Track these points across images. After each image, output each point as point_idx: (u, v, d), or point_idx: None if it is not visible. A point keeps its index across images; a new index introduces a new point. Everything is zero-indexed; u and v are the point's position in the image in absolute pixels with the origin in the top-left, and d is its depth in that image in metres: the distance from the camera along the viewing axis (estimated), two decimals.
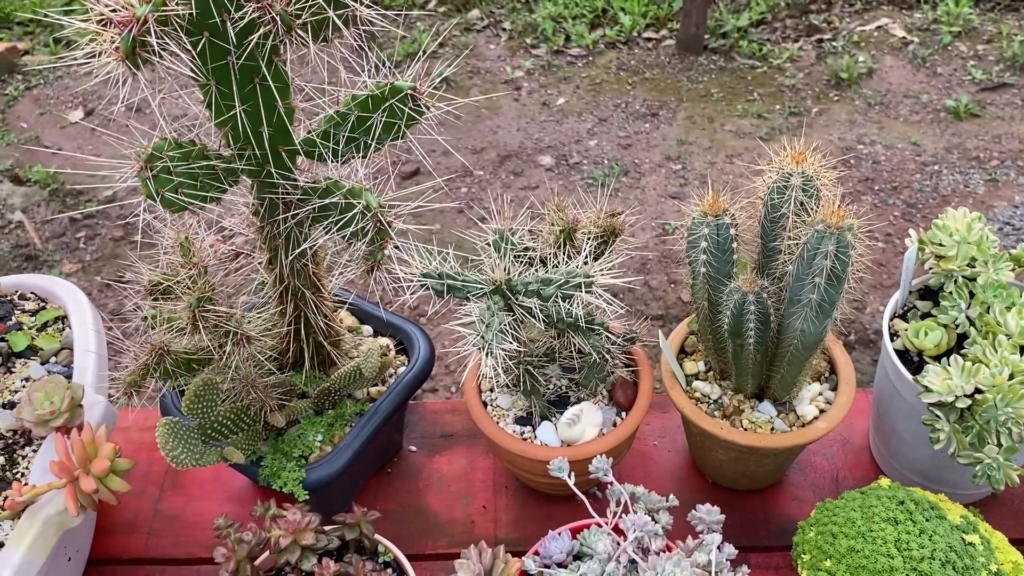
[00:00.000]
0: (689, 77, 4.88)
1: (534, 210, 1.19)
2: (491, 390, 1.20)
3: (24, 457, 1.05)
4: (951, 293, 1.13)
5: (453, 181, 4.29)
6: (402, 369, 1.22)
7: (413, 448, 1.35)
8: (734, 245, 1.05)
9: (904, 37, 5.02)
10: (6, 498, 0.99)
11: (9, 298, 1.23)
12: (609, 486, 1.03)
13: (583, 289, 1.01)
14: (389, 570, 1.06)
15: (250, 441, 1.08)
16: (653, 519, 1.04)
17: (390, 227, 0.90)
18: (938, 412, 1.03)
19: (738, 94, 4.69)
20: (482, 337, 1.00)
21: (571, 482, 1.04)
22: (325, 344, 1.16)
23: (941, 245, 1.14)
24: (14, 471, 1.04)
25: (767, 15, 5.24)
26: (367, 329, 1.29)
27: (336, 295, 1.23)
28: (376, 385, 1.20)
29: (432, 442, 1.36)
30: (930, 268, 1.18)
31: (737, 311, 1.03)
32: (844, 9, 5.24)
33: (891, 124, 4.26)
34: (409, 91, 0.93)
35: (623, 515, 1.02)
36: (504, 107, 4.83)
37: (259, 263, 1.06)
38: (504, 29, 5.56)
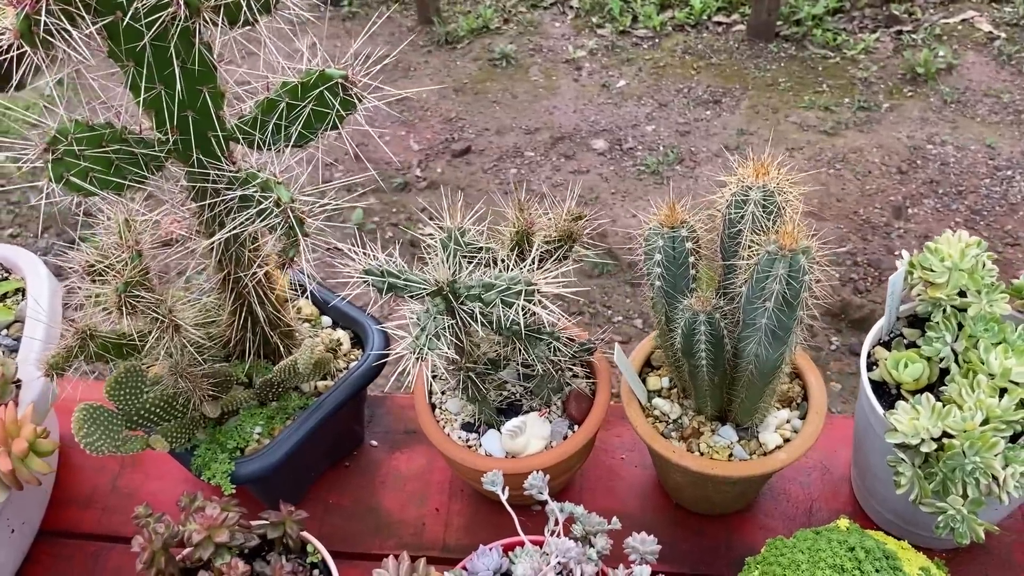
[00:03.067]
0: (757, 64, 4.70)
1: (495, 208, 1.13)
2: (442, 392, 1.16)
3: None
4: (938, 323, 1.04)
5: (502, 161, 4.23)
6: (354, 364, 1.18)
7: (374, 443, 1.32)
8: (691, 259, 0.97)
9: (990, 32, 4.74)
10: None
11: None
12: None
13: (523, 297, 0.95)
14: (316, 571, 1.03)
15: (183, 430, 1.06)
16: (590, 542, 0.99)
17: (301, 224, 0.85)
18: (903, 455, 0.94)
19: (806, 85, 4.50)
20: (415, 340, 0.96)
21: (504, 497, 0.99)
22: (273, 335, 1.13)
23: (931, 270, 1.05)
24: None
25: (845, 3, 5.01)
26: (326, 320, 1.25)
27: (298, 283, 1.20)
28: (324, 379, 1.17)
29: (394, 438, 1.33)
30: (918, 295, 1.08)
31: (687, 331, 0.96)
32: (929, 0, 4.97)
33: (966, 124, 4.03)
34: (340, 79, 0.88)
35: (554, 537, 0.97)
36: (563, 87, 4.74)
37: (198, 250, 1.04)
38: (571, 7, 5.46)
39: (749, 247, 0.92)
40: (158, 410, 1.03)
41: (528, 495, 0.99)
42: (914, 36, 4.73)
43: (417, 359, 0.96)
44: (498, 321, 1.00)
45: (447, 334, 0.98)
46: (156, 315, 0.97)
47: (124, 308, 0.94)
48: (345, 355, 1.21)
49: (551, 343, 1.04)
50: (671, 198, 1.03)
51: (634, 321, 3.30)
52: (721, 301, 0.97)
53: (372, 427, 1.34)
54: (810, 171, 3.85)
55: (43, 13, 0.73)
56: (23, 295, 1.19)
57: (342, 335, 1.23)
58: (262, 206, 0.86)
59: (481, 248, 1.07)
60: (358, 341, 1.24)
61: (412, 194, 4.03)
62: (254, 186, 0.87)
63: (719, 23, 5.14)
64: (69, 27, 0.76)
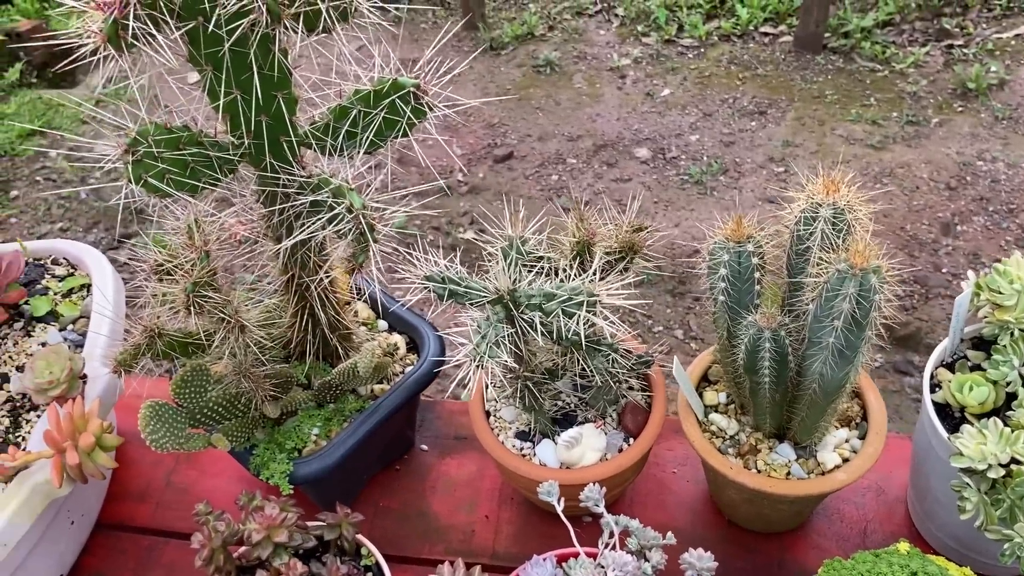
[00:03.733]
0: (803, 76, 4.66)
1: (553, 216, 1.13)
2: (496, 400, 1.16)
3: (28, 421, 1.08)
4: (1005, 347, 1.02)
5: (544, 167, 4.23)
6: (410, 368, 1.19)
7: (424, 447, 1.33)
8: (756, 275, 0.97)
9: None
10: (2, 462, 1.02)
11: (42, 262, 1.26)
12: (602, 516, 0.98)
13: (585, 308, 0.95)
14: (369, 574, 1.04)
15: (244, 428, 1.08)
16: (644, 556, 0.98)
17: (372, 230, 0.86)
18: (968, 479, 0.93)
19: (854, 98, 4.46)
20: (475, 348, 0.96)
21: (559, 508, 0.99)
22: (332, 337, 1.14)
23: (999, 292, 1.03)
24: (16, 434, 1.06)
25: (895, 16, 4.96)
26: (382, 324, 1.26)
27: (357, 287, 1.21)
28: (381, 383, 1.18)
29: (445, 443, 1.33)
30: (984, 317, 1.06)
31: (752, 347, 0.95)
32: (981, 14, 4.90)
33: (1018, 141, 3.96)
34: (412, 88, 0.89)
35: (609, 550, 0.96)
36: (606, 95, 4.74)
37: (265, 252, 1.05)
38: (616, 15, 5.45)
39: (818, 264, 0.91)
40: (220, 409, 1.04)
41: (583, 507, 0.99)
42: (965, 51, 4.67)
43: (477, 367, 0.96)
44: (558, 331, 1.00)
45: (507, 343, 0.98)
46: (222, 315, 0.98)
47: (192, 308, 0.96)
48: (400, 359, 1.22)
49: (610, 355, 1.04)
50: (725, 212, 1.02)
51: (675, 332, 3.28)
52: (786, 318, 0.96)
53: (422, 431, 1.35)
54: (856, 185, 3.81)
55: (131, 18, 0.75)
56: (88, 291, 1.22)
57: (398, 339, 1.24)
58: (334, 212, 0.87)
59: (541, 257, 1.07)
60: (413, 346, 1.25)
61: (454, 198, 4.03)
62: (327, 192, 0.88)
63: (765, 34, 5.10)
64: (154, 31, 0.77)
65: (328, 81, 0.93)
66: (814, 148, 4.10)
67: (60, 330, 1.16)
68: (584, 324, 0.98)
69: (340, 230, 0.87)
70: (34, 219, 4.12)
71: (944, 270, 3.32)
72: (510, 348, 0.99)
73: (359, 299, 1.24)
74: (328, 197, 0.87)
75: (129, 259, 1.12)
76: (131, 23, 0.74)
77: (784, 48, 4.93)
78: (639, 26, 5.28)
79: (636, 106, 4.64)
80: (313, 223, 0.90)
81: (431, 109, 0.92)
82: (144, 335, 0.99)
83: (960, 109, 4.27)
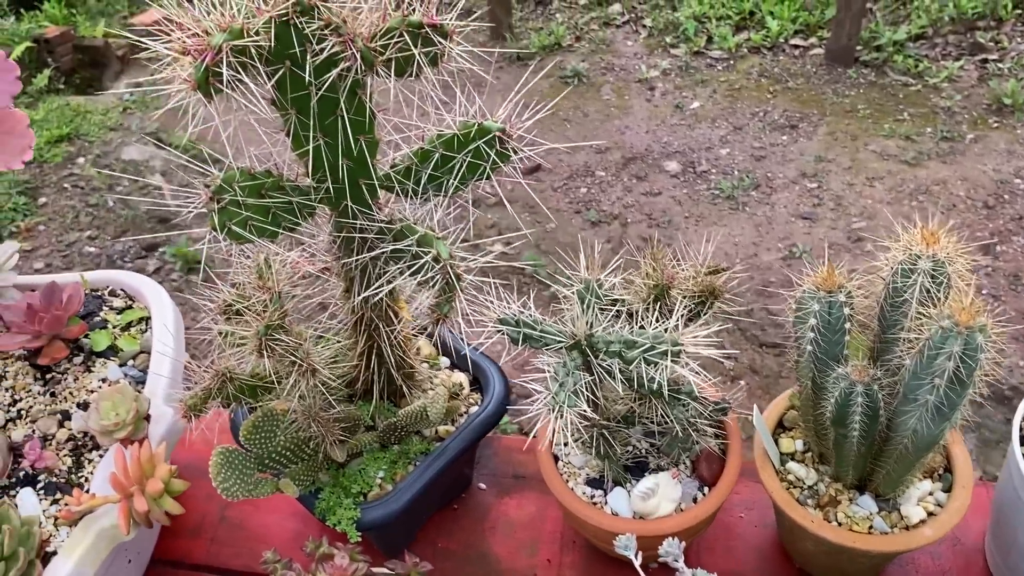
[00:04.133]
0: (835, 90, 4.62)
1: (628, 256, 1.10)
2: (564, 444, 1.13)
3: (91, 461, 1.05)
4: None
5: (572, 180, 4.20)
6: (474, 409, 1.16)
7: (483, 485, 1.30)
8: (847, 326, 0.93)
9: None
10: (66, 504, 1.00)
11: (100, 293, 1.24)
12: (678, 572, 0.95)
13: (669, 357, 0.92)
14: None
15: (309, 471, 1.05)
16: None
17: (459, 280, 0.83)
18: None
19: (886, 112, 4.41)
20: (553, 397, 0.93)
21: (638, 563, 0.96)
22: (396, 376, 1.11)
23: None
24: (79, 474, 1.04)
25: (927, 29, 4.91)
26: (444, 361, 1.24)
27: (419, 319, 1.19)
28: (446, 424, 1.15)
29: (503, 482, 1.31)
30: None
31: (843, 400, 0.92)
32: (1016, 28, 4.84)
33: None
34: (497, 133, 0.86)
35: None
36: (635, 107, 4.71)
37: (334, 293, 1.02)
38: (644, 26, 5.42)
39: (917, 319, 0.88)
40: (288, 453, 1.02)
41: (660, 560, 0.96)
42: (1000, 65, 4.61)
43: (556, 416, 0.93)
44: (638, 380, 0.98)
45: (584, 390, 0.95)
46: (294, 358, 0.96)
47: (264, 351, 0.93)
48: (465, 398, 1.19)
49: (689, 404, 1.01)
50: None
51: (728, 352, 3.24)
52: (878, 371, 0.93)
53: (480, 468, 1.32)
54: (891, 202, 3.76)
55: (223, 65, 0.72)
56: (147, 324, 1.19)
57: (462, 378, 1.21)
58: (420, 261, 0.84)
59: (617, 300, 1.04)
60: (477, 384, 1.22)
61: (481, 209, 4.01)
62: (411, 239, 0.85)
63: (796, 46, 5.06)
64: (243, 77, 0.75)
65: (408, 123, 0.90)
66: (847, 164, 4.06)
67: (120, 365, 1.14)
68: (666, 372, 0.95)
69: (425, 279, 0.84)
70: (62, 227, 4.13)
71: (985, 291, 3.27)
72: (587, 396, 0.96)
73: (422, 335, 1.21)
74: (413, 246, 0.85)
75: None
76: (224, 71, 0.72)
77: (815, 61, 4.89)
78: (667, 37, 5.25)
79: (665, 118, 4.61)
80: (394, 271, 0.87)
81: (515, 153, 0.89)
82: (215, 379, 0.96)
83: (995, 125, 4.22)
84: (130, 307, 1.22)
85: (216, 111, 0.76)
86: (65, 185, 4.39)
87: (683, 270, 1.07)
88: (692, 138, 4.45)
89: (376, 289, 0.90)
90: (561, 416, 0.93)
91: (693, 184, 4.10)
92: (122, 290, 1.24)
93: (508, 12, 5.18)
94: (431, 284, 0.85)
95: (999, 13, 4.91)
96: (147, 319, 1.20)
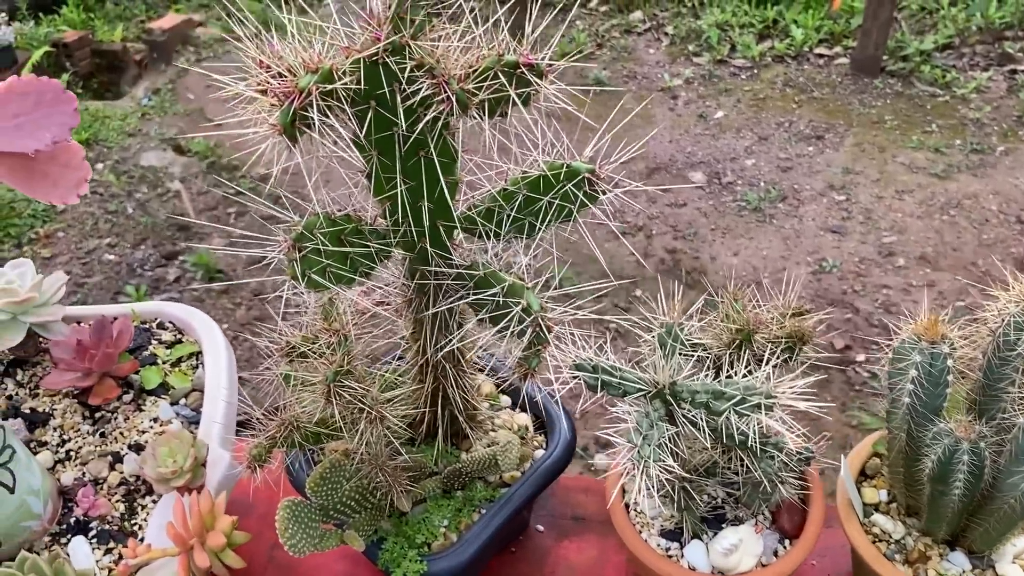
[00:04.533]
0: (861, 100, 4.57)
1: (707, 295, 1.05)
2: (648, 498, 1.08)
3: (144, 507, 1.01)
4: None
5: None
6: (539, 453, 1.11)
7: (540, 528, 1.25)
8: (950, 378, 0.88)
9: None
10: (120, 555, 0.95)
11: (148, 325, 1.19)
12: None
13: (763, 411, 0.87)
14: None
15: (372, 520, 1.00)
16: None
17: (549, 332, 0.79)
18: None
19: (914, 123, 4.35)
20: (638, 451, 0.89)
21: None
22: (460, 417, 1.06)
23: None
24: (132, 521, 1.00)
25: (954, 39, 4.85)
26: (505, 400, 1.19)
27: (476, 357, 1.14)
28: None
29: (562, 524, 1.26)
30: None
31: (946, 458, 0.87)
32: None
33: None
34: (587, 174, 0.81)
35: None
36: (658, 116, 4.65)
37: (402, 335, 0.98)
38: (666, 33, 5.37)
39: None
40: (352, 503, 0.97)
41: None
42: None
43: (641, 473, 0.88)
44: (725, 432, 0.93)
45: (668, 443, 0.90)
46: (362, 405, 0.91)
47: (333, 398, 0.89)
48: (529, 440, 1.14)
49: (776, 456, 0.96)
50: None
51: (825, 405, 3.17)
52: (985, 428, 0.87)
53: (537, 510, 1.27)
54: (922, 216, 3.70)
55: (312, 109, 0.67)
56: (197, 359, 1.15)
57: (527, 420, 1.16)
58: (506, 312, 0.79)
59: (698, 345, 1.00)
60: (540, 423, 1.17)
61: None
62: (496, 288, 0.80)
63: (820, 55, 5.01)
64: (333, 121, 0.70)
65: (490, 161, 0.86)
66: (875, 176, 4.00)
67: (171, 404, 1.09)
68: (757, 426, 0.90)
69: (512, 331, 0.79)
70: (81, 234, 4.09)
71: None
72: (670, 448, 0.91)
73: (483, 374, 1.16)
74: (499, 295, 0.80)
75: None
76: (313, 115, 0.67)
77: (840, 70, 4.83)
78: (690, 45, 5.20)
79: (689, 128, 4.56)
80: (475, 321, 0.83)
81: (605, 194, 0.84)
82: (282, 428, 0.91)
83: None
84: (180, 341, 1.17)
85: (300, 153, 0.72)
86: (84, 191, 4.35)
87: (765, 311, 1.02)
88: (717, 148, 4.39)
89: (452, 340, 0.85)
90: (647, 473, 0.88)
91: (719, 195, 4.05)
92: (171, 322, 1.19)
93: (528, 19, 5.11)
94: (518, 335, 0.80)
95: None
96: (198, 354, 1.15)
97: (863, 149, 4.24)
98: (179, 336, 1.18)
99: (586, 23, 5.55)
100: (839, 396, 2.91)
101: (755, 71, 4.93)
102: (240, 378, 1.21)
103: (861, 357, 3.01)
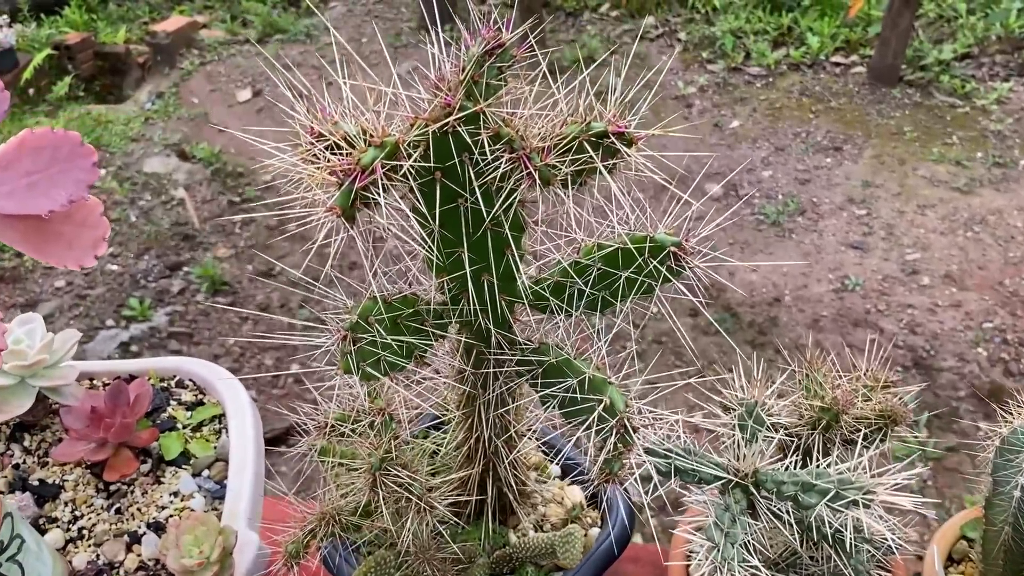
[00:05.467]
0: (879, 111, 4.48)
1: (779, 368, 0.96)
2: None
3: None
4: None
5: (609, 202, 4.06)
6: (594, 531, 1.02)
7: None
8: None
9: None
10: None
11: (166, 384, 1.10)
12: None
13: (860, 507, 0.78)
14: None
15: None
16: None
17: (635, 432, 0.69)
18: None
19: (934, 135, 4.27)
20: (721, 552, 0.80)
21: None
22: (510, 495, 0.97)
23: None
24: None
25: (974, 48, 4.76)
26: (555, 470, 1.09)
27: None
28: None
29: None
30: None
31: None
32: None
33: None
34: (672, 248, 0.72)
35: None
36: (672, 125, 4.56)
37: (452, 413, 0.88)
38: (679, 40, 5.28)
39: None
40: None
41: None
42: None
43: (725, 575, 0.79)
44: (816, 528, 0.84)
45: (751, 538, 0.81)
46: (409, 495, 0.82)
47: (380, 488, 0.79)
48: (583, 516, 1.05)
49: (863, 549, 0.87)
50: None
51: (927, 501, 3.09)
52: None
53: None
54: (945, 232, 3.61)
55: (379, 189, 0.58)
56: (220, 422, 1.06)
57: (579, 495, 1.07)
58: (583, 408, 0.70)
59: (778, 426, 0.90)
60: (593, 499, 1.08)
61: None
62: (572, 379, 0.71)
63: (837, 64, 4.92)
64: (399, 203, 0.61)
65: (561, 233, 0.76)
66: (896, 190, 3.91)
67: (193, 476, 1.00)
68: (852, 522, 0.81)
69: (591, 429, 0.70)
70: None
71: None
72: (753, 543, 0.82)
73: (530, 438, 1.07)
74: (575, 391, 0.71)
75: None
76: (380, 197, 0.58)
77: (857, 80, 4.74)
78: (703, 52, 5.10)
79: (704, 137, 4.46)
80: (547, 404, 0.74)
81: (690, 270, 0.75)
82: (320, 522, 0.82)
83: None
84: (201, 402, 1.07)
85: (360, 237, 0.62)
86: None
87: (847, 382, 0.93)
88: (732, 159, 4.30)
89: (512, 427, 0.76)
90: (731, 575, 0.79)
91: (736, 208, 3.96)
92: (191, 380, 1.10)
93: (539, 23, 5.03)
94: (597, 434, 0.71)
95: None
96: (220, 416, 1.06)
97: (882, 161, 4.16)
98: (200, 396, 1.09)
99: (597, 28, 5.45)
100: None
101: (770, 79, 4.84)
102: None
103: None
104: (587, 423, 0.70)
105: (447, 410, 0.93)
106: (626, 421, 0.69)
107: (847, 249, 3.62)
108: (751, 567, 0.80)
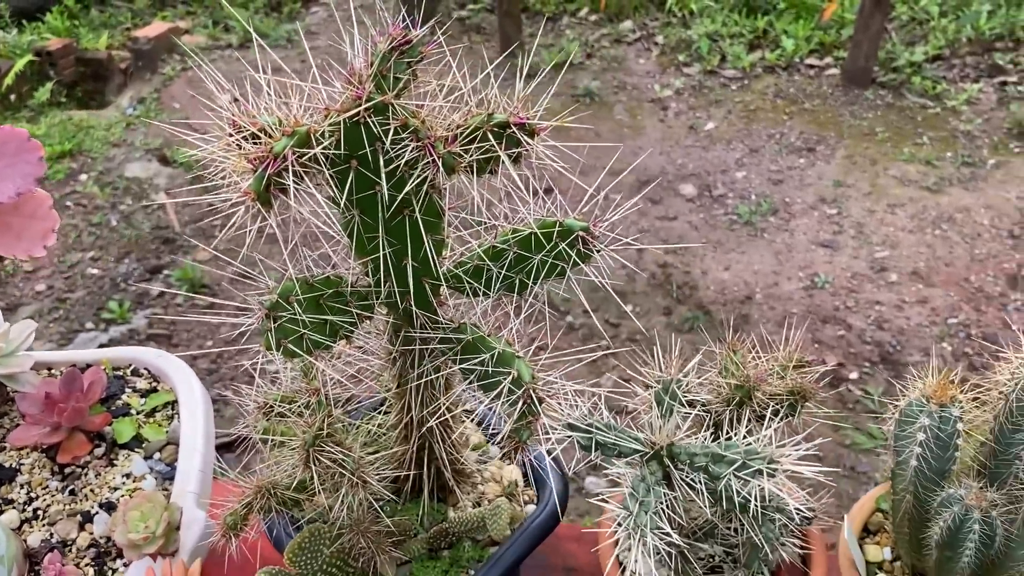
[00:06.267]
0: (852, 112, 4.54)
1: (702, 349, 1.01)
2: (628, 548, 1.04)
3: (115, 571, 0.96)
4: None
5: (586, 204, 4.11)
6: (530, 508, 1.07)
7: None
8: (959, 442, 0.84)
9: None
10: None
11: (121, 372, 1.14)
12: None
13: (764, 476, 0.83)
14: None
15: None
16: None
17: (541, 403, 0.74)
18: None
19: (905, 136, 4.33)
20: (635, 519, 0.84)
21: None
22: (446, 472, 1.02)
23: None
24: None
25: (945, 50, 4.84)
26: (494, 450, 1.14)
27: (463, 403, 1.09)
28: None
29: None
30: None
31: (956, 526, 0.83)
32: None
33: None
34: (581, 232, 0.77)
35: None
36: (648, 127, 4.62)
37: (387, 392, 0.93)
38: (656, 43, 5.34)
39: None
40: (334, 569, 0.92)
41: None
42: (1020, 88, 4.54)
43: (638, 542, 0.84)
44: (725, 496, 0.88)
45: (665, 507, 0.86)
46: (343, 470, 0.86)
47: (312, 463, 0.84)
48: (519, 494, 1.10)
49: (776, 518, 0.92)
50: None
51: (830, 470, 3.15)
52: (996, 495, 0.84)
53: (527, 561, 1.23)
54: (914, 231, 3.68)
55: (288, 175, 0.63)
56: (173, 408, 1.10)
57: (516, 473, 1.11)
58: (495, 380, 0.75)
59: (694, 402, 0.95)
60: (526, 475, 1.13)
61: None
62: (485, 355, 0.76)
63: (811, 66, 4.98)
64: (311, 187, 0.66)
65: (477, 219, 0.81)
66: (867, 189, 3.98)
67: (145, 458, 1.04)
68: (758, 491, 0.86)
69: (501, 401, 0.75)
70: (64, 246, 4.02)
71: (1015, 327, 3.19)
72: (666, 512, 0.87)
73: (469, 419, 1.12)
74: (488, 365, 0.76)
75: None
76: (289, 182, 0.63)
77: (831, 81, 4.81)
78: (680, 55, 5.17)
79: (679, 139, 4.52)
80: (467, 381, 0.78)
81: (600, 252, 0.80)
82: (258, 495, 0.87)
83: (1017, 150, 4.14)
84: (155, 389, 1.12)
85: (275, 221, 0.67)
86: (67, 203, 4.28)
87: (763, 362, 0.98)
88: (707, 160, 4.36)
89: (441, 403, 0.81)
90: (644, 542, 0.84)
91: (710, 208, 4.02)
92: (146, 369, 1.14)
93: (519, 29, 5.09)
94: (508, 404, 0.76)
95: (1017, 34, 4.84)
96: (173, 403, 1.10)
97: (854, 161, 4.22)
98: (154, 384, 1.13)
99: (576, 32, 5.51)
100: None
101: (746, 81, 4.91)
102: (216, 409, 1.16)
103: (854, 375, 2.98)
104: (499, 394, 0.75)
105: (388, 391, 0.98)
106: (531, 392, 0.73)
107: (818, 248, 3.68)
108: (664, 533, 0.85)
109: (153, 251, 3.99)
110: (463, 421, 1.10)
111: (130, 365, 1.15)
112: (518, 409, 0.74)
